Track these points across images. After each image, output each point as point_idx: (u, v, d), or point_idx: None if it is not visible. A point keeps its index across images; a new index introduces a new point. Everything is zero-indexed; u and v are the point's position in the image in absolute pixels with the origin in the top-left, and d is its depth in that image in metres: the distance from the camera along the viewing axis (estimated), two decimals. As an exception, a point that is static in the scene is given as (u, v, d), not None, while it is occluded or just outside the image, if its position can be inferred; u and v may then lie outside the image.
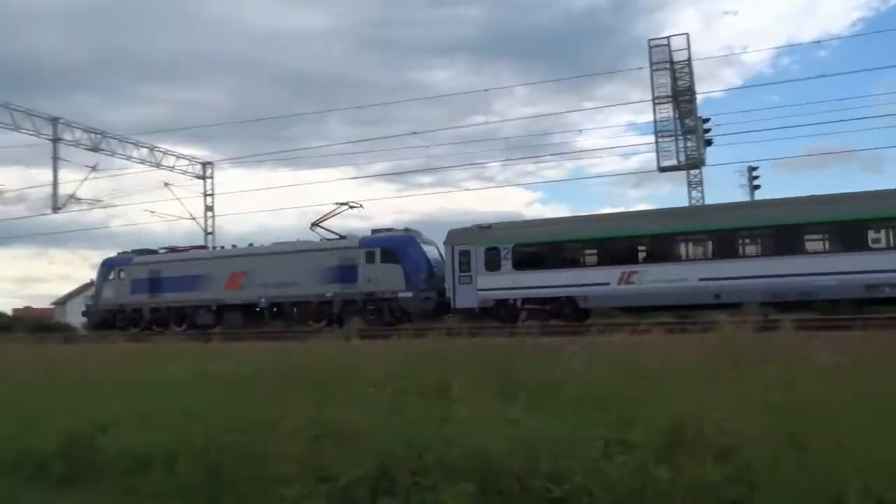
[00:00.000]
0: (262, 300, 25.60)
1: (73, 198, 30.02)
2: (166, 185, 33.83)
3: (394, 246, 24.44)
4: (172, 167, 34.31)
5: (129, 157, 32.07)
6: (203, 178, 36.03)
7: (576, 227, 23.00)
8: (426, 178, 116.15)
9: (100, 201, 31.66)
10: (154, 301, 27.18)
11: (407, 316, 23.54)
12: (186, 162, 35.31)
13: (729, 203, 23.22)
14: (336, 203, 26.39)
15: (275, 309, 25.65)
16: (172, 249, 29.13)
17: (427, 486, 4.96)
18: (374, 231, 26.08)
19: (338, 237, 26.28)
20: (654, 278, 20.27)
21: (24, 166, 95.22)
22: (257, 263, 26.57)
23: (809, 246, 19.09)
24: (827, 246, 18.90)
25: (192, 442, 6.03)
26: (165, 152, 33.85)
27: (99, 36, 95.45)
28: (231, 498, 5.54)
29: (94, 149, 30.43)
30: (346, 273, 24.47)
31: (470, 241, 23.13)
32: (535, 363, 7.34)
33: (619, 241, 21.53)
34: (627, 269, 20.71)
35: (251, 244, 28.43)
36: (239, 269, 26.75)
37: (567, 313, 20.93)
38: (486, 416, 5.59)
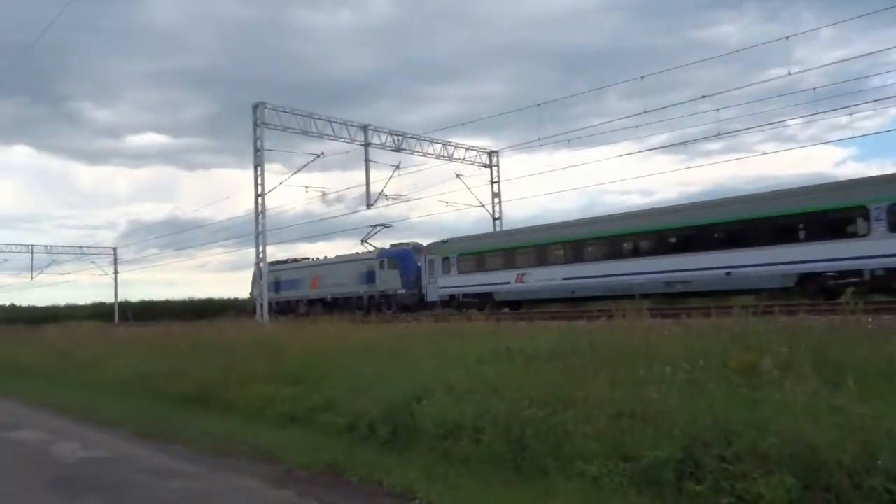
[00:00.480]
0: (328, 296, 37.20)
1: (381, 194, 33.65)
2: (458, 176, 36.47)
3: (395, 257, 34.21)
4: (462, 159, 36.62)
5: (425, 154, 34.97)
6: (489, 166, 37.91)
7: (490, 240, 31.71)
8: (715, 146, 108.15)
9: (403, 196, 35.12)
10: (277, 297, 39.52)
11: (405, 308, 30.51)
12: (474, 153, 37.42)
13: (582, 219, 29.38)
14: (372, 226, 36.55)
15: (336, 301, 35.96)
16: (293, 261, 42.96)
17: (737, 473, 4.62)
18: (392, 245, 36.03)
19: (371, 249, 36.19)
20: (536, 278, 27.08)
21: (341, 170, 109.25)
22: (325, 271, 38.79)
23: (626, 252, 24.95)
24: (636, 251, 24.74)
25: (496, 414, 6.37)
26: (456, 146, 36.25)
27: (395, 47, 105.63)
28: (533, 469, 5.74)
29: (397, 149, 33.76)
30: (370, 277, 34.78)
31: (435, 252, 31.72)
32: (859, 343, 6.37)
33: (513, 251, 28.73)
34: (521, 272, 27.72)
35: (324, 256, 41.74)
36: (317, 275, 39.14)
37: (490, 304, 26.62)
38: (804, 401, 5.02)
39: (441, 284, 30.70)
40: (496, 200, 37.94)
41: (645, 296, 22.36)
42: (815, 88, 24.63)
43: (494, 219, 37.71)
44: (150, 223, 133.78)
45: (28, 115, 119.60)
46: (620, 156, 54.99)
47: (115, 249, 69.08)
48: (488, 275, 28.98)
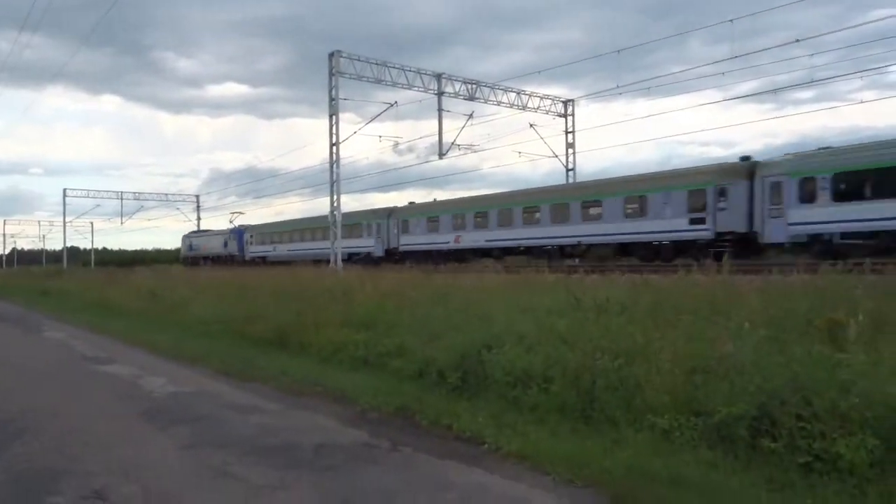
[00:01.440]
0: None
1: (454, 144, 33.50)
2: (531, 125, 35.81)
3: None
4: (537, 108, 35.91)
5: (498, 103, 34.45)
6: (564, 116, 37.06)
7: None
8: (806, 94, 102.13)
9: (475, 146, 34.76)
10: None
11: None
12: (549, 102, 36.60)
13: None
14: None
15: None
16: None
17: (815, 433, 4.49)
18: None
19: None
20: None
21: (413, 119, 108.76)
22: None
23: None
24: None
25: (566, 364, 6.36)
26: (531, 95, 35.51)
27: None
28: (603, 420, 5.74)
29: (470, 98, 33.37)
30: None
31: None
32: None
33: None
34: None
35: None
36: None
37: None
38: (892, 362, 4.80)
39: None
40: (570, 151, 37.23)
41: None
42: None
43: (568, 170, 37.08)
44: (230, 171, 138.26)
45: (114, 65, 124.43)
46: (702, 105, 52.44)
47: (197, 197, 71.99)
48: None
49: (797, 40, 26.21)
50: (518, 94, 35.00)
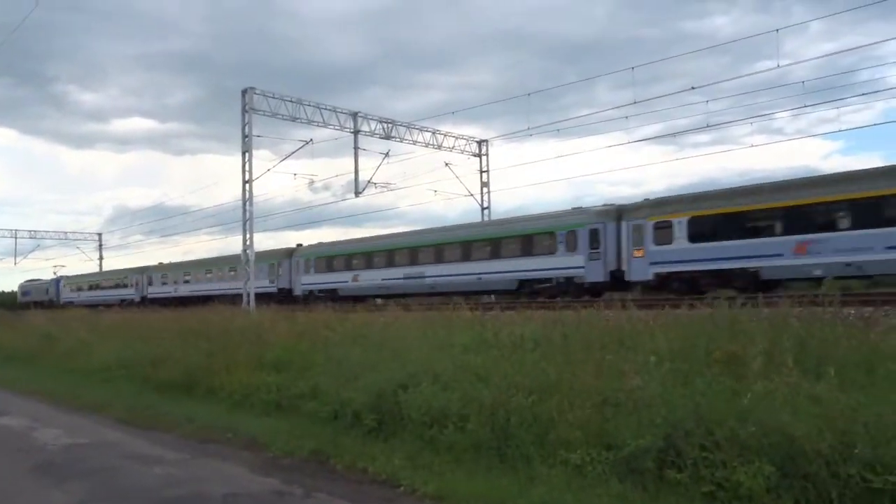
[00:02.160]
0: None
1: (370, 183, 33.51)
2: (447, 164, 36.30)
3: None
4: (452, 148, 36.45)
5: (414, 142, 34.76)
6: (479, 155, 37.81)
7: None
8: (703, 137, 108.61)
9: (392, 184, 34.95)
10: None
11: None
12: (464, 142, 37.28)
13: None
14: None
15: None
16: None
17: (717, 462, 4.68)
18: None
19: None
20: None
21: (329, 157, 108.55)
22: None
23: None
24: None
25: (481, 402, 6.39)
26: (446, 134, 36.05)
27: (385, 34, 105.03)
28: (518, 456, 5.78)
29: (386, 137, 33.58)
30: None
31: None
32: (839, 335, 6.43)
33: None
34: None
35: None
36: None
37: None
38: (785, 392, 5.08)
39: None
40: (485, 190, 37.92)
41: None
42: (803, 82, 24.76)
43: (483, 208, 37.69)
44: (136, 209, 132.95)
45: (13, 96, 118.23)
46: (610, 146, 54.75)
47: (99, 235, 68.86)
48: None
49: (692, 88, 27.93)
50: (433, 133, 35.53)
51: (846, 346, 6.11)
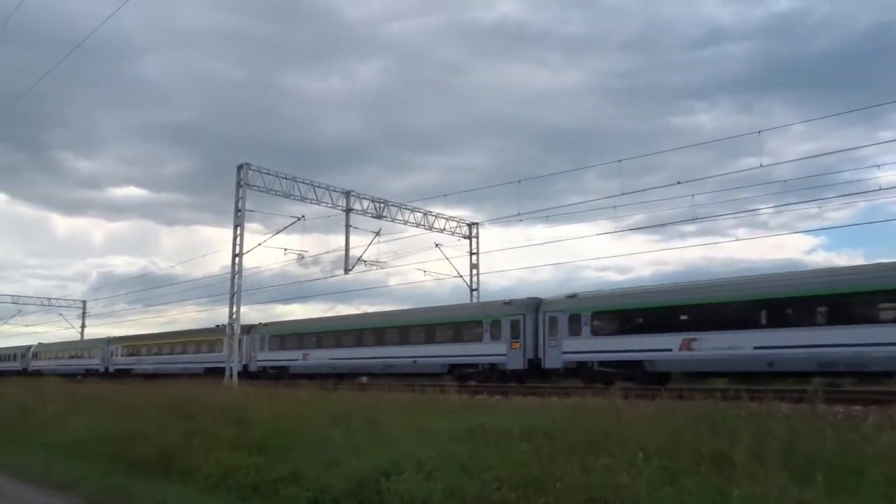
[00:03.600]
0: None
1: (360, 260, 33.74)
2: (437, 245, 36.74)
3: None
4: (442, 229, 36.98)
5: (405, 222, 35.29)
6: (469, 237, 38.29)
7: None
8: (689, 228, 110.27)
9: (381, 263, 35.19)
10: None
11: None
12: (455, 224, 37.83)
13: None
14: None
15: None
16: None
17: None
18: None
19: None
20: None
21: (320, 233, 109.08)
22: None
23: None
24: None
25: (465, 495, 6.25)
26: (437, 216, 36.66)
27: (380, 116, 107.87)
28: (502, 554, 5.61)
29: (378, 216, 34.06)
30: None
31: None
32: (826, 435, 6.40)
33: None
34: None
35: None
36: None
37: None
38: (773, 495, 5.01)
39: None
40: (474, 272, 38.19)
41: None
42: (785, 181, 25.54)
43: (472, 290, 37.84)
44: (123, 277, 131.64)
45: (8, 161, 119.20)
46: (598, 234, 55.41)
47: (84, 303, 68.04)
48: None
49: (679, 182, 28.60)
50: (425, 214, 36.09)
51: (833, 448, 6.07)
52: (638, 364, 23.05)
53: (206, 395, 13.76)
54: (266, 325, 40.44)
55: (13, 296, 63.44)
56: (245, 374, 35.68)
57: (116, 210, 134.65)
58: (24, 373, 52.84)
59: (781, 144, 77.43)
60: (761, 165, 26.15)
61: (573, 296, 26.42)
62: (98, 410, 14.77)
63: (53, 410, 15.94)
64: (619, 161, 27.92)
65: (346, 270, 33.11)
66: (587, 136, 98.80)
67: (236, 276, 29.12)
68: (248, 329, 39.15)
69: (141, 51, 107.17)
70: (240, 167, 29.47)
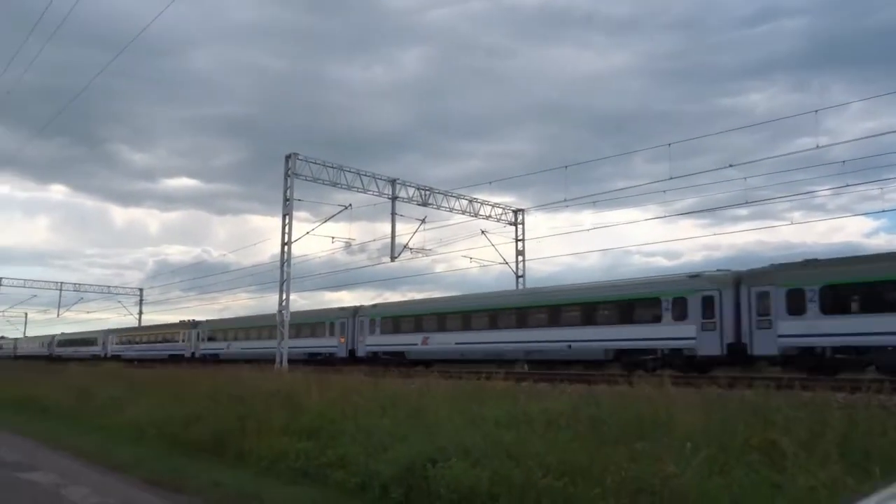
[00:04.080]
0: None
1: (406, 247, 33.93)
2: (483, 232, 36.64)
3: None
4: (488, 216, 36.87)
5: (451, 210, 35.27)
6: (515, 224, 38.09)
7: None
8: (742, 212, 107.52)
9: (427, 250, 35.28)
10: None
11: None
12: (500, 210, 37.67)
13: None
14: None
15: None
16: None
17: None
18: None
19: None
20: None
21: (367, 221, 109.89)
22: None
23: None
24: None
25: (512, 482, 6.26)
26: (482, 203, 36.55)
27: (424, 103, 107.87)
28: (549, 542, 5.61)
29: (424, 203, 34.14)
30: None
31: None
32: (888, 426, 6.19)
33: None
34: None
35: None
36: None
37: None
38: (829, 488, 4.88)
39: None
40: (520, 258, 37.99)
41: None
42: (843, 161, 24.53)
43: (518, 276, 37.68)
44: (177, 265, 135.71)
45: (66, 155, 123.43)
46: (646, 219, 54.30)
47: (141, 290, 70.14)
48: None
49: (731, 165, 27.82)
50: (470, 201, 35.98)
51: (892, 440, 5.87)
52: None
53: (257, 380, 14.06)
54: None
55: (75, 284, 65.85)
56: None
57: (170, 200, 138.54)
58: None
59: (840, 123, 74.54)
60: (818, 146, 25.15)
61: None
62: (155, 395, 15.26)
63: (113, 395, 16.54)
64: (669, 144, 27.27)
65: (393, 258, 33.35)
66: (635, 120, 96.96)
67: (285, 264, 29.61)
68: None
69: (191, 45, 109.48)
70: (288, 157, 29.88)
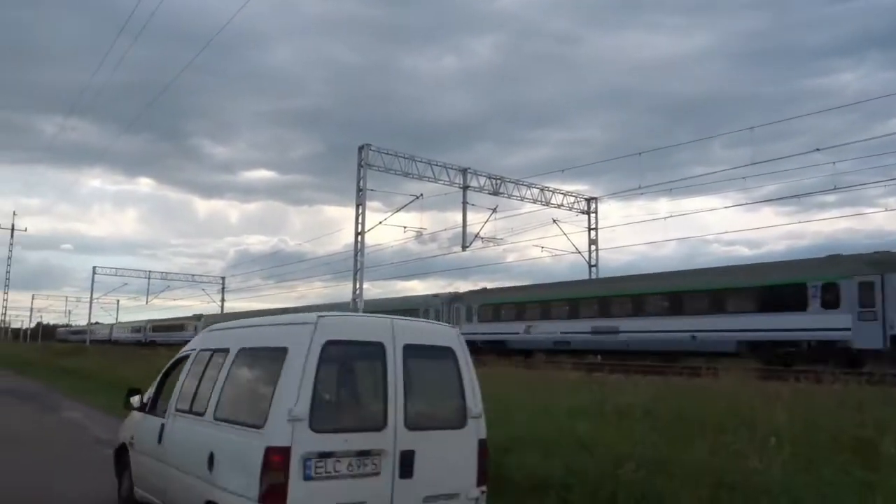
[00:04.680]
0: None
1: (477, 237, 33.88)
2: (554, 221, 36.12)
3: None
4: (560, 205, 36.34)
5: (522, 199, 34.94)
6: (587, 213, 37.44)
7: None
8: (830, 198, 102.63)
9: (498, 239, 35.08)
10: None
11: None
12: (573, 199, 37.08)
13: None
14: None
15: None
16: None
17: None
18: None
19: None
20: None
21: (438, 211, 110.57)
22: None
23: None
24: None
25: (586, 473, 6.19)
26: (554, 191, 36.03)
27: (496, 92, 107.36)
28: (625, 534, 5.53)
29: (495, 193, 33.97)
30: None
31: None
32: None
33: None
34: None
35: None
36: None
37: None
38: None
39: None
40: (593, 248, 37.34)
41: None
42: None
43: (591, 266, 37.05)
44: (257, 254, 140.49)
45: (153, 150, 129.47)
46: (727, 207, 51.74)
47: (223, 279, 72.47)
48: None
49: (818, 149, 26.30)
50: (542, 190, 35.49)
51: None
52: None
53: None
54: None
55: (162, 272, 68.79)
56: None
57: (249, 192, 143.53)
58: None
59: (939, 104, 69.79)
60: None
61: None
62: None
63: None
64: (751, 128, 26.00)
65: (464, 247, 33.38)
66: (712, 104, 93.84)
67: (359, 254, 30.10)
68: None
69: (268, 40, 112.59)
70: (361, 148, 30.28)
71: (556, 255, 37.64)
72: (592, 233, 37.34)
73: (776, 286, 22.12)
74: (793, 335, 21.11)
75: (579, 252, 37.04)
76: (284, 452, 3.89)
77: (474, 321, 33.13)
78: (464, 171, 33.02)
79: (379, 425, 4.25)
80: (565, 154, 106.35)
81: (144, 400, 6.50)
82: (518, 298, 32.66)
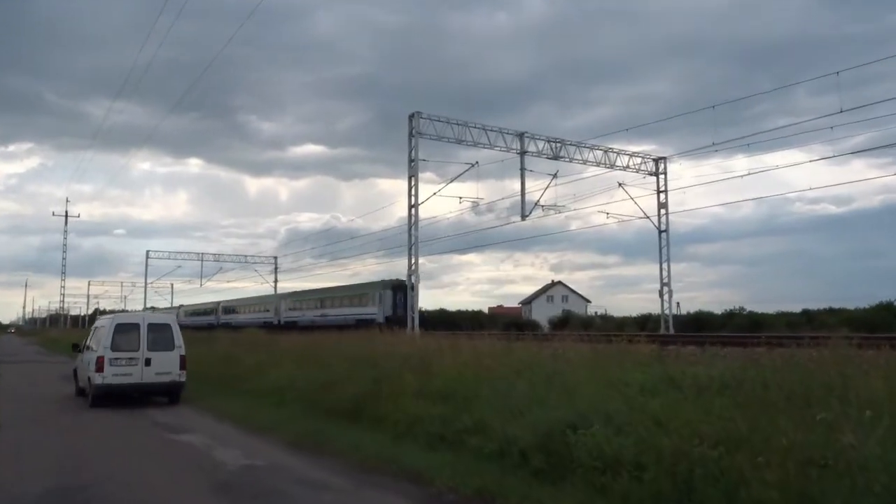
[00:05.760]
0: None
1: (537, 205, 32.81)
2: (620, 185, 33.97)
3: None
4: (626, 167, 34.31)
5: (584, 162, 33.12)
6: (656, 174, 35.31)
7: None
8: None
9: (560, 206, 33.52)
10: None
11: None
12: (639, 160, 34.95)
13: None
14: None
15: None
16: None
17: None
18: None
19: None
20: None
21: (495, 179, 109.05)
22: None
23: None
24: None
25: (661, 451, 5.80)
26: (619, 152, 34.09)
27: (552, 48, 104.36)
28: (704, 515, 5.14)
29: (555, 157, 32.43)
30: None
31: None
32: None
33: None
34: None
35: None
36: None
37: None
38: None
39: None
40: (662, 212, 35.45)
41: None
42: None
43: (660, 231, 35.43)
44: (308, 232, 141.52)
45: (200, 129, 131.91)
46: (811, 161, 47.73)
47: (275, 258, 71.89)
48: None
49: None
50: (605, 151, 33.63)
51: None
52: None
53: (390, 344, 14.21)
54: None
55: (215, 254, 68.84)
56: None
57: (298, 168, 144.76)
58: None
59: None
60: None
61: None
62: (294, 361, 15.80)
63: (255, 362, 17.37)
64: (837, 73, 23.99)
65: (523, 216, 32.41)
66: (794, 47, 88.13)
67: (413, 227, 29.73)
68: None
69: (311, 8, 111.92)
70: (411, 116, 29.61)
71: (623, 222, 36.23)
72: (661, 196, 35.35)
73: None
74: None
75: (647, 217, 35.29)
76: (102, 356, 13.31)
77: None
78: (521, 136, 31.91)
79: (136, 349, 13.56)
80: (630, 112, 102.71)
81: (81, 348, 15.69)
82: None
